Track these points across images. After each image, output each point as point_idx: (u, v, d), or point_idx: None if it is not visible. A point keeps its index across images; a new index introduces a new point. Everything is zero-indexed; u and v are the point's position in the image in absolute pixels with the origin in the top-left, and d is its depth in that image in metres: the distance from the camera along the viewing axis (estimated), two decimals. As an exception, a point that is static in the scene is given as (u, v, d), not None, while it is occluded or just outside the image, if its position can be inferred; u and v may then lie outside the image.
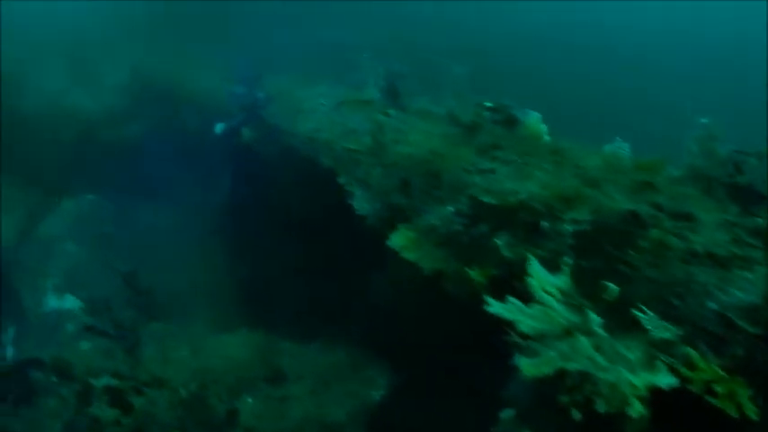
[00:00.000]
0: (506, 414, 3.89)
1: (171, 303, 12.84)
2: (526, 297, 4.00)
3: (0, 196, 14.03)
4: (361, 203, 5.59)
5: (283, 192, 8.54)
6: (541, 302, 3.66)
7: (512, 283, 4.23)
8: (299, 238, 9.88)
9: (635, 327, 3.45)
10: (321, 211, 7.86)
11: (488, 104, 5.59)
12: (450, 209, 4.50)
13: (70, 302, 12.01)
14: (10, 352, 10.14)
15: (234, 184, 11.06)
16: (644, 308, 3.47)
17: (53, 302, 11.97)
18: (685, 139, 4.66)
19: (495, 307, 3.72)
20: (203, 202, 13.20)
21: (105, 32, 17.91)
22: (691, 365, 3.19)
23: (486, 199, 4.26)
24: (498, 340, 3.64)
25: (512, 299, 3.76)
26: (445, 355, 6.24)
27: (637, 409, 3.05)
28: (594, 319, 3.46)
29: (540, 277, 3.76)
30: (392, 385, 7.07)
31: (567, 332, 3.45)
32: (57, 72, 16.48)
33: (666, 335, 3.34)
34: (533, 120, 5.27)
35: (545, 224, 3.98)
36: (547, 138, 5.30)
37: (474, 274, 4.32)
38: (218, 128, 9.92)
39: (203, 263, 13.15)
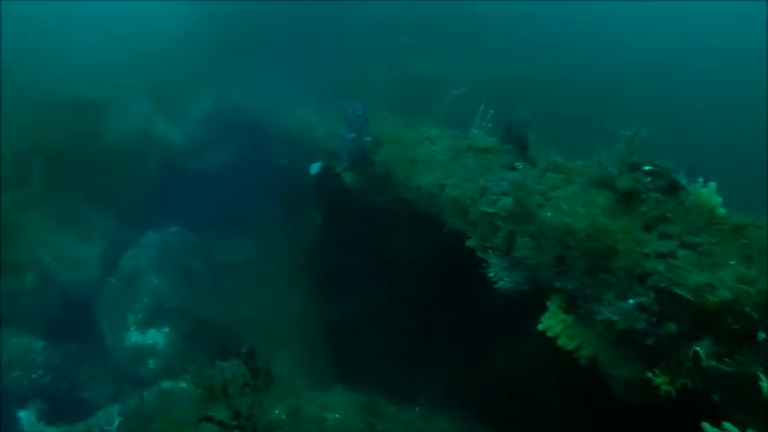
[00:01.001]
0: None
1: (248, 338, 12.57)
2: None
3: (84, 225, 14.07)
4: (500, 273, 5.01)
5: (388, 239, 8.04)
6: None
7: (709, 398, 3.57)
8: (395, 284, 9.38)
9: None
10: (435, 265, 7.33)
11: (647, 168, 4.95)
12: (632, 302, 3.87)
13: (152, 338, 11.77)
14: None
15: (326, 225, 10.64)
16: None
17: (136, 337, 11.75)
18: None
19: None
20: (290, 238, 12.87)
21: (190, 61, 18.01)
22: None
23: (680, 292, 3.61)
24: None
25: (730, 426, 3.10)
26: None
27: None
28: None
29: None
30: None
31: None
32: (142, 100, 16.56)
33: None
34: (707, 190, 4.59)
35: (762, 335, 3.32)
36: (722, 210, 4.63)
37: (660, 380, 3.69)
38: (315, 168, 9.51)
39: (288, 300, 12.82)
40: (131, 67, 17.97)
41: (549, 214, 4.78)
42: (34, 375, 10.51)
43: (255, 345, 12.06)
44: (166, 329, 11.82)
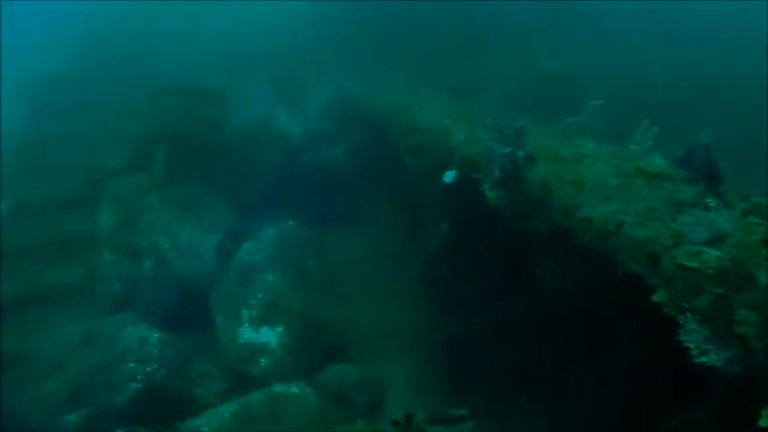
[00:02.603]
0: None
1: (360, 343, 12.10)
2: None
3: (202, 214, 14.03)
4: (702, 345, 4.15)
5: (531, 264, 7.24)
6: None
7: None
8: (530, 309, 8.61)
9: None
10: (587, 306, 6.49)
11: None
12: None
13: (265, 336, 11.51)
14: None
15: (454, 236, 9.95)
16: None
17: (249, 335, 11.52)
18: None
19: None
20: (410, 242, 12.28)
21: (310, 55, 17.71)
22: None
23: None
24: None
25: None
26: None
27: None
28: None
29: None
30: None
31: None
32: (262, 91, 16.40)
33: None
34: None
35: None
36: None
37: None
38: (449, 176, 8.79)
39: (402, 306, 12.28)
40: (250, 60, 17.92)
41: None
42: (148, 369, 10.45)
43: (366, 352, 11.68)
44: (280, 329, 11.52)
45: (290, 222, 13.51)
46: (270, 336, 11.51)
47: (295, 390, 10.52)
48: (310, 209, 14.27)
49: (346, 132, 15.18)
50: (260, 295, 11.87)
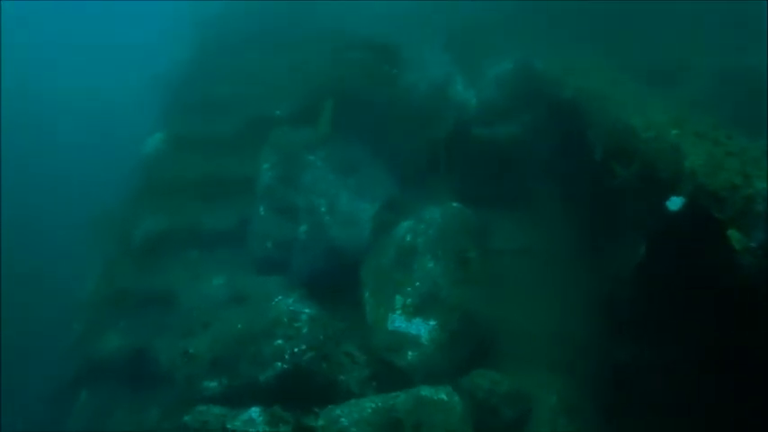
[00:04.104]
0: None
1: (512, 347, 11.01)
2: None
3: (364, 179, 13.23)
4: None
5: None
6: None
7: None
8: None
9: None
10: None
11: None
12: None
13: (416, 328, 10.62)
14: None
15: (652, 265, 8.47)
16: None
17: (400, 323, 10.69)
18: None
19: None
20: (591, 252, 10.84)
21: (490, 17, 16.22)
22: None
23: None
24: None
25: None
26: None
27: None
28: None
29: None
30: None
31: None
32: (438, 54, 15.18)
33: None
34: None
35: None
36: None
37: None
38: (675, 203, 7.30)
39: (569, 318, 11.00)
40: (425, 19, 16.70)
41: None
42: (296, 349, 9.87)
43: (517, 360, 10.52)
44: (433, 323, 10.65)
45: (455, 204, 12.38)
46: (421, 328, 10.65)
47: (443, 396, 9.60)
48: (475, 188, 13.09)
49: (526, 110, 13.70)
50: (417, 283, 10.97)
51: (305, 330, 10.07)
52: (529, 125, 13.63)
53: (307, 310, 10.41)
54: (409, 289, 10.93)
